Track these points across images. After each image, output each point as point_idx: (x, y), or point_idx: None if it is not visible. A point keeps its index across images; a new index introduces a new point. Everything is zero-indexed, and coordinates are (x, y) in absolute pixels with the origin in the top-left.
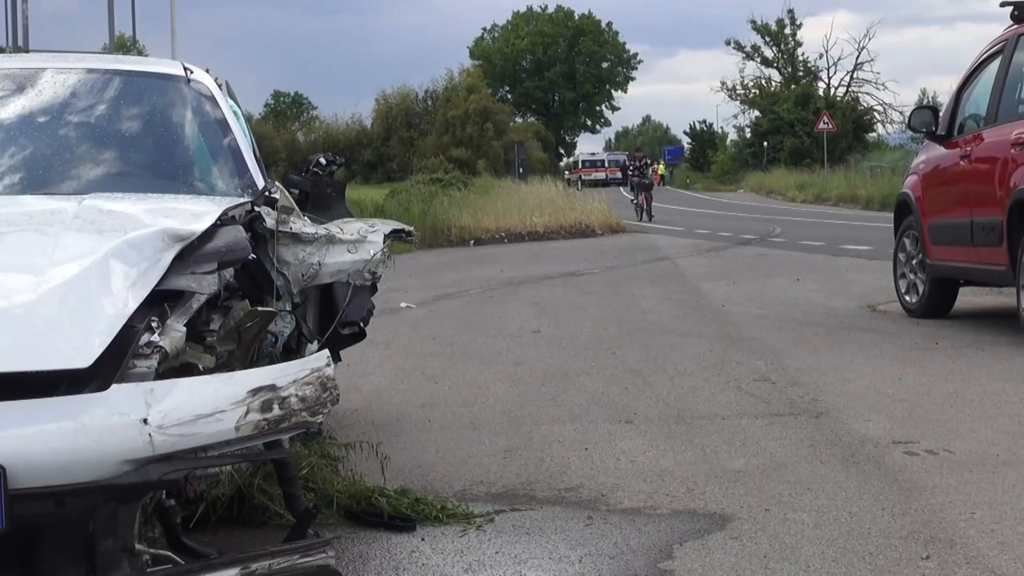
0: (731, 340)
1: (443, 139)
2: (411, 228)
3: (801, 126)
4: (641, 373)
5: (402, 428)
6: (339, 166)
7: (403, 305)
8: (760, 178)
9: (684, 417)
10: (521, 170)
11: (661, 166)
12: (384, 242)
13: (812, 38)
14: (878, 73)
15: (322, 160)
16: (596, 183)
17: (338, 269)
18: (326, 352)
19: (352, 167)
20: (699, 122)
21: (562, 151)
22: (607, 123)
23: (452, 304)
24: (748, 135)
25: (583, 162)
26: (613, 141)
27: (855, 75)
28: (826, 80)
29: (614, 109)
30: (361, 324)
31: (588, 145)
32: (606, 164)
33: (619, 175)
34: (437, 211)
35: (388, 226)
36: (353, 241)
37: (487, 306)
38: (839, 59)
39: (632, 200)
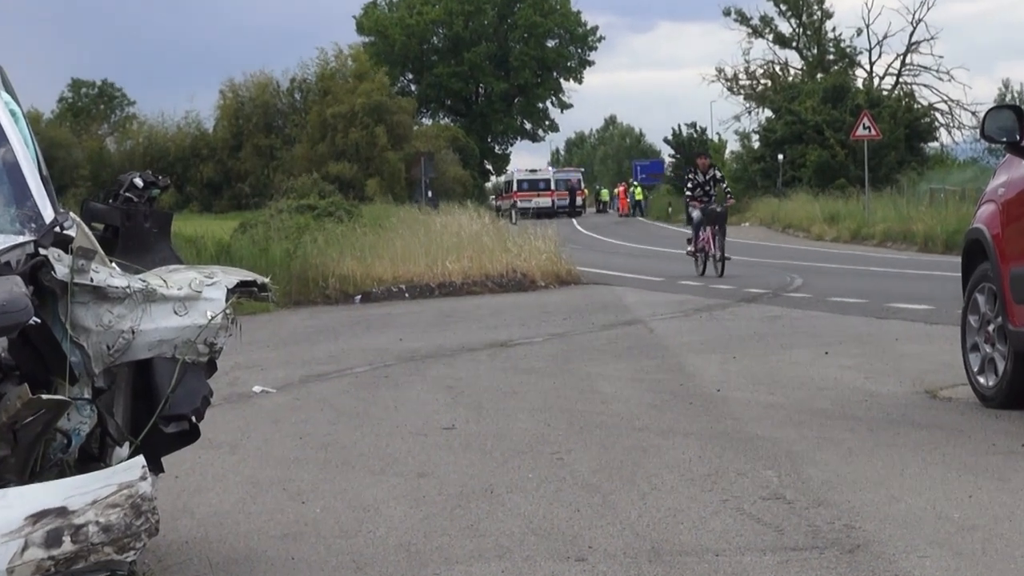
0: (729, 440)
1: (317, 148)
2: (267, 279)
3: (832, 131)
4: (599, 488)
5: (254, 568)
6: (164, 189)
7: (257, 390)
8: (773, 206)
9: (660, 552)
10: (430, 194)
11: (638, 190)
12: (228, 299)
13: (847, 6)
14: (941, 57)
15: (139, 181)
16: (539, 212)
17: (160, 339)
18: (141, 460)
19: (185, 189)
20: (686, 126)
21: (489, 167)
22: (554, 127)
23: (328, 388)
24: (756, 144)
25: (520, 183)
26: (562, 152)
27: (909, 59)
28: (867, 67)
29: (564, 107)
30: (193, 418)
31: (527, 158)
32: (552, 186)
33: (568, 201)
34: (308, 253)
35: (234, 276)
36: (183, 298)
37: (379, 391)
38: (886, 36)
39: (689, 245)
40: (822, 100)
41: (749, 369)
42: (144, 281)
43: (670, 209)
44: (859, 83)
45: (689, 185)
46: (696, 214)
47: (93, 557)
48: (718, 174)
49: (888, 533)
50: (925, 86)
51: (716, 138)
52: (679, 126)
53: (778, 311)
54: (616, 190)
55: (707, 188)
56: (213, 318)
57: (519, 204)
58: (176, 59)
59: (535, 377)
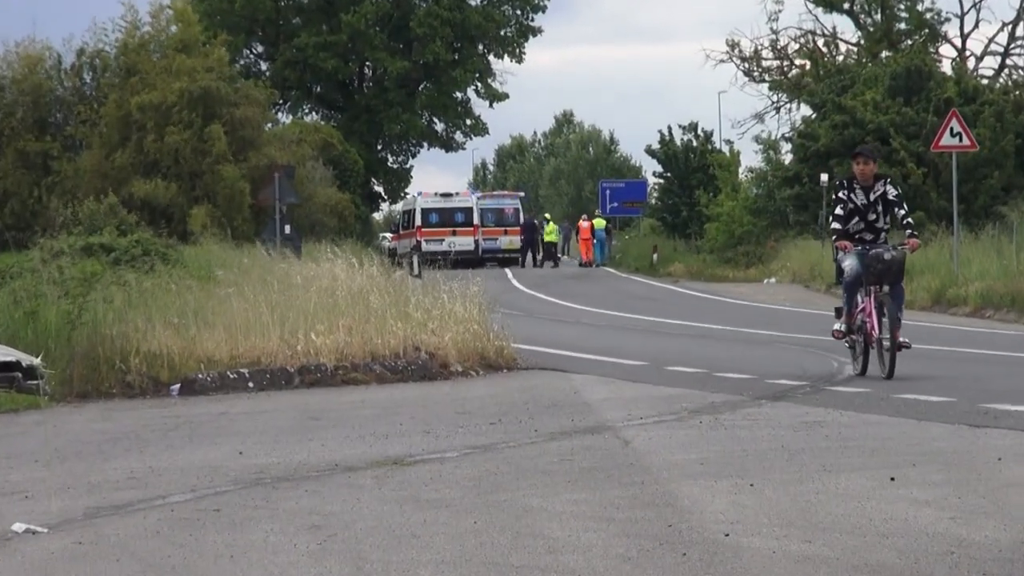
0: None
1: (116, 158)
2: (37, 360)
3: (904, 139)
4: None
5: None
6: None
7: (19, 528)
8: (813, 253)
9: None
10: (288, 229)
11: (599, 220)
12: None
13: None
14: None
15: None
16: (459, 259)
17: None
18: None
19: None
20: (681, 128)
21: (379, 188)
22: (479, 128)
23: (129, 527)
24: (788, 158)
25: (426, 213)
26: (492, 167)
27: (1022, 32)
28: (957, 43)
29: (495, 98)
30: None
31: (437, 176)
32: (476, 217)
33: (507, 240)
34: (100, 319)
35: None
36: None
37: (207, 532)
38: None
39: (838, 321)
40: (889, 92)
41: (774, 503)
42: None
43: (655, 256)
44: (945, 67)
45: (838, 211)
46: (850, 263)
47: None
48: (891, 192)
49: None
50: None
51: (726, 148)
52: (669, 129)
53: (819, 414)
54: (582, 223)
55: (872, 217)
56: None
57: (425, 246)
58: None
59: (446, 513)
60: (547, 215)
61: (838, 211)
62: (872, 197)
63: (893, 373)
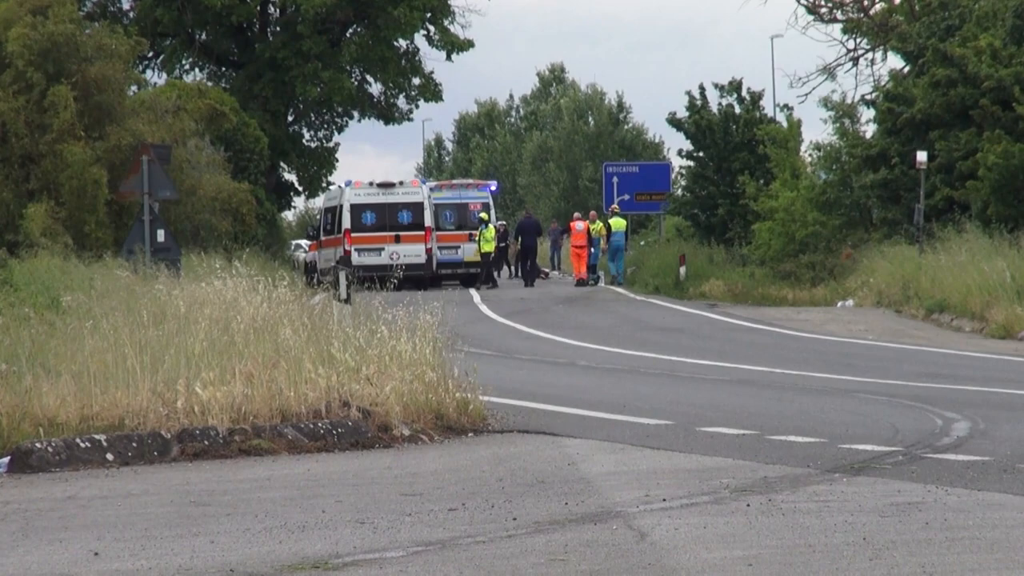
0: None
1: None
2: None
3: None
4: None
5: None
6: None
7: None
8: (907, 263)
9: None
10: (163, 236)
11: (617, 220)
12: None
13: None
14: None
15: None
16: (405, 275)
17: None
18: None
19: None
20: (718, 89)
21: (291, 176)
22: (433, 93)
23: None
24: (869, 131)
25: (358, 211)
26: (450, 145)
27: None
28: None
29: (454, 48)
30: None
31: (373, 160)
32: (429, 217)
33: (473, 249)
34: None
35: None
36: None
37: None
38: None
39: None
40: (1012, 35)
41: None
42: None
43: (683, 270)
44: None
45: None
46: None
47: None
48: None
49: None
50: None
51: (782, 116)
52: (701, 89)
53: (916, 493)
54: (575, 224)
55: None
56: None
57: (357, 258)
58: None
59: None
60: (484, 215)
61: None
62: None
63: None
